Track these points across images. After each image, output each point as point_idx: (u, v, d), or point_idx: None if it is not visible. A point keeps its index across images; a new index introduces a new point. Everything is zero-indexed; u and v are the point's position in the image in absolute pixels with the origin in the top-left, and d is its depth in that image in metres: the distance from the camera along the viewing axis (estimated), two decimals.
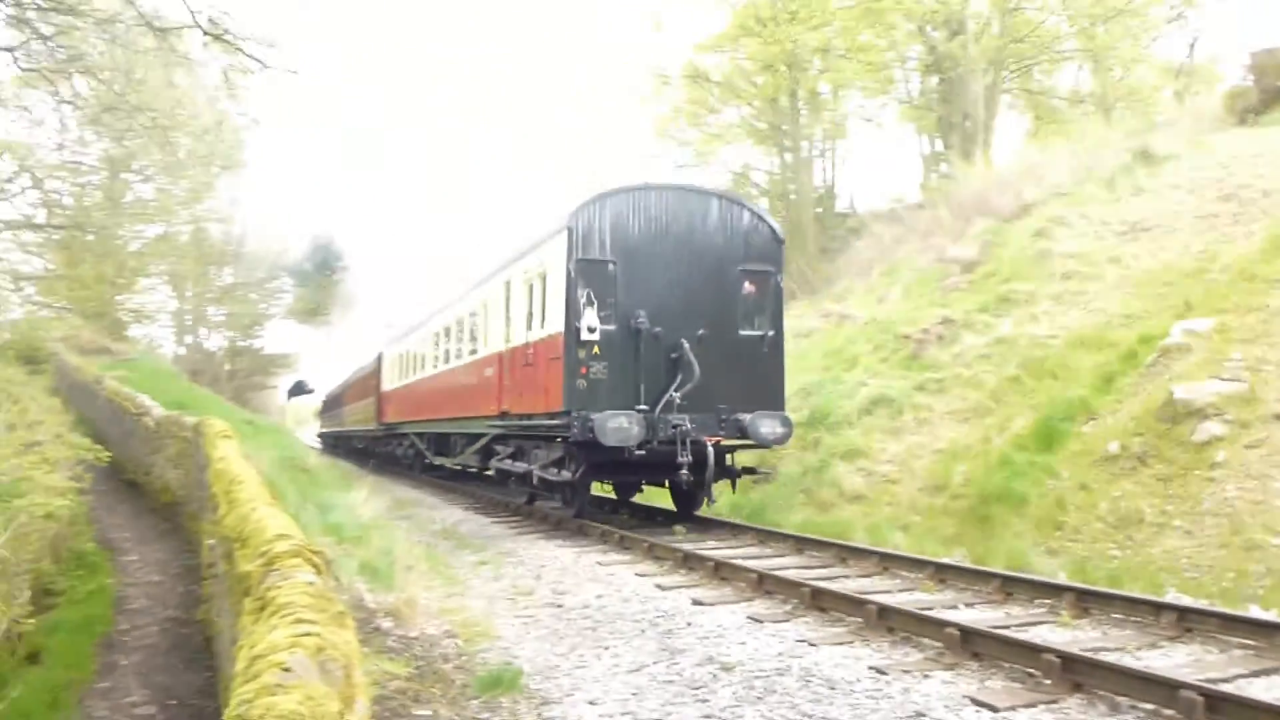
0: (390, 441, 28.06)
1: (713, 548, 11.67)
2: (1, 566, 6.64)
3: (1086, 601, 8.10)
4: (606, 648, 7.56)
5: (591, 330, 12.23)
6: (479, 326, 16.91)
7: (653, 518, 14.52)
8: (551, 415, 12.71)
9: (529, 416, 13.80)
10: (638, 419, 11.94)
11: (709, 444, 12.15)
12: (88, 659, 7.18)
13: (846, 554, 10.84)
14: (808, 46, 30.75)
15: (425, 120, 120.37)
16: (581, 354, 12.25)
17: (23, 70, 16.00)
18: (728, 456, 13.35)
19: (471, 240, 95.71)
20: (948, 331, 17.39)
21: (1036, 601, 8.48)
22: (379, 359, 29.23)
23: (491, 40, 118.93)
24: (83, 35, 15.55)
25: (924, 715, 5.71)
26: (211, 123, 29.87)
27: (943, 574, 9.57)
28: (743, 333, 13.12)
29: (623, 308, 12.51)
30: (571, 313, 12.31)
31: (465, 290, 18.59)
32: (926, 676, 6.47)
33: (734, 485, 13.98)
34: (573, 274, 12.36)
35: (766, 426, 12.57)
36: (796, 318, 24.14)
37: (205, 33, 12.35)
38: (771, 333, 13.34)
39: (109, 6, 15.07)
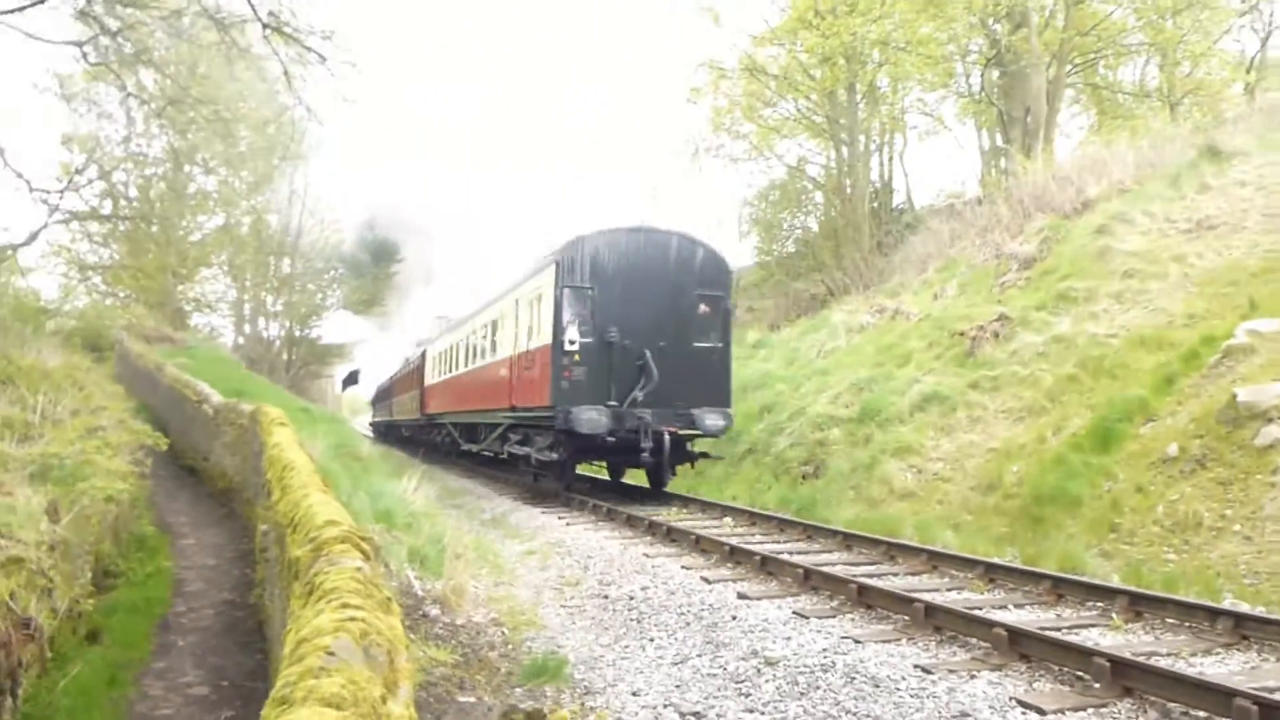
0: (431, 430, 30.35)
1: (759, 542, 11.67)
2: (64, 547, 6.81)
3: (1140, 605, 7.95)
4: (651, 639, 7.60)
5: (573, 342, 15.07)
6: (498, 334, 19.62)
7: (633, 493, 17.17)
8: (544, 409, 15.50)
9: (530, 409, 16.58)
10: (607, 412, 14.74)
11: (666, 433, 14.90)
12: (145, 639, 7.35)
13: (895, 551, 10.77)
14: (866, 39, 30.40)
15: (480, 115, 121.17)
16: (565, 361, 15.04)
17: (91, 64, 16.38)
18: (689, 444, 16.13)
19: (530, 233, 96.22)
20: (1004, 329, 17.14)
21: (1088, 604, 8.35)
22: (422, 355, 31.60)
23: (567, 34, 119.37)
24: (149, 30, 15.88)
25: (969, 716, 5.66)
26: (272, 115, 30.34)
27: (993, 574, 9.46)
28: (696, 344, 15.81)
29: (599, 324, 15.24)
30: (558, 328, 15.12)
31: (490, 300, 21.37)
32: (973, 677, 6.40)
33: (693, 465, 16.79)
34: (559, 298, 15.20)
35: (710, 419, 15.34)
36: (849, 313, 23.97)
37: (265, 25, 12.54)
38: (720, 345, 16.08)
39: (173, 1, 15.37)
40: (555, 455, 16.05)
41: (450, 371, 25.49)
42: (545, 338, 15.53)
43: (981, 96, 32.20)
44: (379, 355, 55.84)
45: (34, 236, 17.06)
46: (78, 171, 24.51)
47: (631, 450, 15.09)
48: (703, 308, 15.91)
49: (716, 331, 16.05)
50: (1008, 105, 29.50)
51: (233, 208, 39.52)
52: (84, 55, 15.53)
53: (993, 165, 32.56)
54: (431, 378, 29.11)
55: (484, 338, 20.94)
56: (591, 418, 14.55)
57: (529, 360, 16.58)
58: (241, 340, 43.00)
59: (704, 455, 16.53)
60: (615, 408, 14.90)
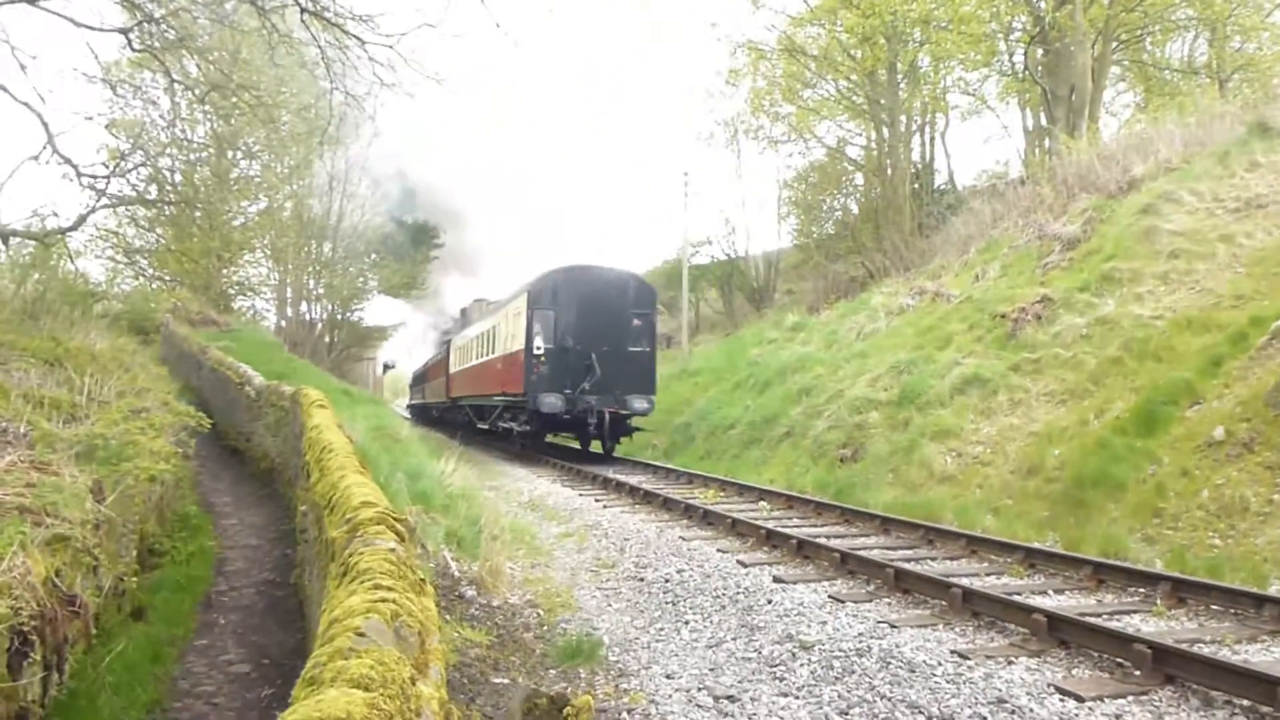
0: (455, 411, 35.15)
1: (796, 525, 11.63)
2: (109, 526, 6.92)
3: (1183, 592, 7.84)
4: (686, 622, 7.60)
5: (539, 348, 20.63)
6: (497, 335, 24.57)
7: (590, 457, 22.15)
8: (520, 395, 21.11)
9: (514, 395, 21.93)
10: (562, 398, 20.20)
11: (606, 413, 20.31)
12: (188, 617, 7.48)
13: (933, 535, 10.70)
14: (907, 18, 30.00)
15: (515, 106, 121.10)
16: (533, 361, 20.56)
17: (136, 51, 16.52)
18: (629, 422, 21.51)
19: (558, 220, 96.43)
20: (1046, 311, 16.88)
21: (1130, 590, 8.25)
22: (448, 346, 36.22)
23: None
24: (191, 17, 15.98)
25: (1006, 702, 5.60)
26: (312, 99, 30.45)
27: (1033, 559, 9.37)
28: (630, 349, 21.35)
29: (558, 335, 20.76)
30: (529, 337, 20.72)
31: (495, 308, 26.75)
32: (1010, 663, 6.35)
33: (630, 436, 22.27)
34: (530, 317, 20.74)
35: (637, 403, 20.89)
36: (889, 295, 23.76)
37: (303, 10, 12.57)
38: (648, 349, 21.69)
39: None
40: (529, 428, 21.98)
41: (468, 362, 30.27)
42: (521, 344, 21.03)
43: (1025, 75, 31.64)
44: (417, 338, 56.49)
45: (82, 221, 17.25)
46: (123, 157, 24.75)
47: (582, 425, 21.01)
48: (635, 322, 21.45)
49: (645, 339, 21.63)
50: (1052, 84, 28.94)
51: (275, 192, 39.85)
52: (129, 42, 15.67)
53: (1036, 145, 32.05)
54: (455, 366, 33.71)
55: (489, 337, 25.99)
56: (551, 401, 20.00)
57: (513, 359, 21.91)
58: (284, 323, 43.38)
59: (638, 429, 22.13)
60: (569, 395, 20.27)
